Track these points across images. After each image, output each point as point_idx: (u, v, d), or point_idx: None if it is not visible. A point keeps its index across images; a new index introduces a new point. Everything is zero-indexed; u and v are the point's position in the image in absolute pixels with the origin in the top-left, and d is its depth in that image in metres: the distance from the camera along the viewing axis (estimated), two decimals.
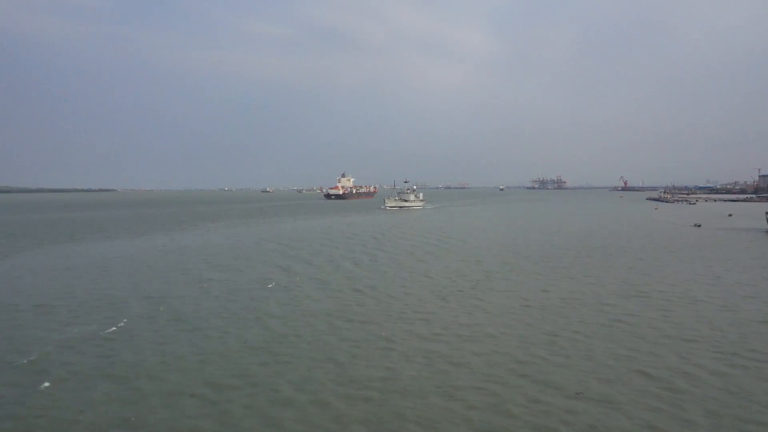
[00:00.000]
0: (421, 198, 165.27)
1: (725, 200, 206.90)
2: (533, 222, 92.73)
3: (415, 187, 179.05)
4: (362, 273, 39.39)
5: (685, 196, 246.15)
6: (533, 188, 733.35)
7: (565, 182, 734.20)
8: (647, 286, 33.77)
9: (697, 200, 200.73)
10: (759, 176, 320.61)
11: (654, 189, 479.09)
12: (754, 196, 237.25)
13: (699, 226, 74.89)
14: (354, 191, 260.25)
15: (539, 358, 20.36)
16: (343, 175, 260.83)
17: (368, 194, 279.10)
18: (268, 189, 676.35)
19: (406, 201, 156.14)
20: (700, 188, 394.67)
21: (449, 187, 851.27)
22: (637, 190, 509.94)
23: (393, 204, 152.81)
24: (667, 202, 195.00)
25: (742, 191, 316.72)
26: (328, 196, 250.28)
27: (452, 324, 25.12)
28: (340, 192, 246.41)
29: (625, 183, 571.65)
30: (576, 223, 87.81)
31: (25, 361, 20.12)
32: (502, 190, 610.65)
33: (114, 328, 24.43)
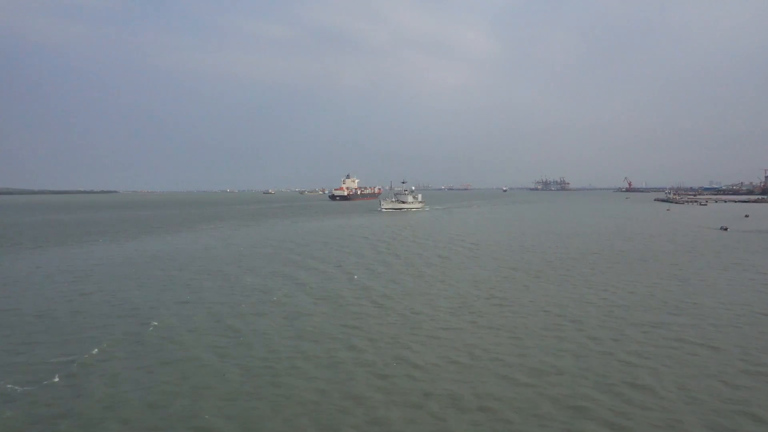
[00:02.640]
0: (420, 199, 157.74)
1: (735, 201, 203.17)
2: (545, 224, 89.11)
3: (413, 188, 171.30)
4: (377, 282, 35.81)
5: (692, 197, 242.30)
6: (536, 189, 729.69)
7: (568, 183, 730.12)
8: (698, 297, 30.10)
9: (707, 201, 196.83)
10: (765, 177, 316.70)
11: (658, 190, 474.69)
12: (765, 196, 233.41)
13: (726, 229, 71.05)
14: (358, 192, 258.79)
15: (605, 394, 16.83)
16: (348, 176, 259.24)
17: (372, 195, 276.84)
18: (270, 190, 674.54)
19: (403, 203, 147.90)
20: (706, 189, 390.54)
21: (452, 189, 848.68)
22: (642, 191, 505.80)
23: (390, 206, 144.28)
24: (676, 203, 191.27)
25: (750, 192, 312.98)
26: (332, 197, 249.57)
27: (488, 345, 21.54)
28: (345, 193, 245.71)
29: (630, 184, 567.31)
30: (591, 225, 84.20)
31: None
32: (505, 191, 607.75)
33: (86, 355, 20.54)
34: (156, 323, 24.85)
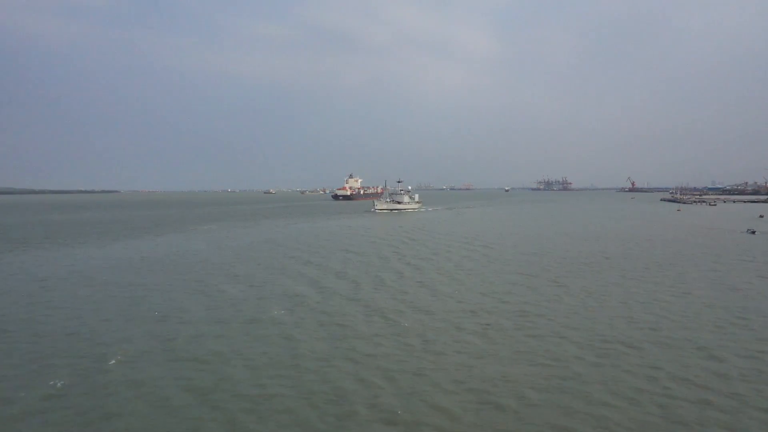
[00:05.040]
0: (417, 200, 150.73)
1: (745, 201, 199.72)
2: (556, 225, 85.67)
3: (410, 187, 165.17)
4: (384, 295, 32.61)
5: (699, 196, 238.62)
6: (538, 189, 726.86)
7: (570, 183, 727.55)
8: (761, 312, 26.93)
9: (716, 201, 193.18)
10: None
11: (662, 190, 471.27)
12: None
13: (754, 232, 67.41)
14: (361, 192, 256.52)
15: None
16: (351, 176, 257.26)
17: (375, 195, 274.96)
18: (270, 190, 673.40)
19: (399, 203, 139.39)
20: (711, 189, 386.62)
21: (453, 189, 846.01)
22: (645, 191, 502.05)
23: (384, 207, 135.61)
24: (684, 203, 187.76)
25: (756, 192, 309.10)
26: (335, 196, 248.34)
27: (530, 382, 18.36)
28: (348, 193, 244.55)
29: (633, 184, 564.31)
30: (604, 227, 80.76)
31: None
32: (507, 191, 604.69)
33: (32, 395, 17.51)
34: (122, 354, 20.87)
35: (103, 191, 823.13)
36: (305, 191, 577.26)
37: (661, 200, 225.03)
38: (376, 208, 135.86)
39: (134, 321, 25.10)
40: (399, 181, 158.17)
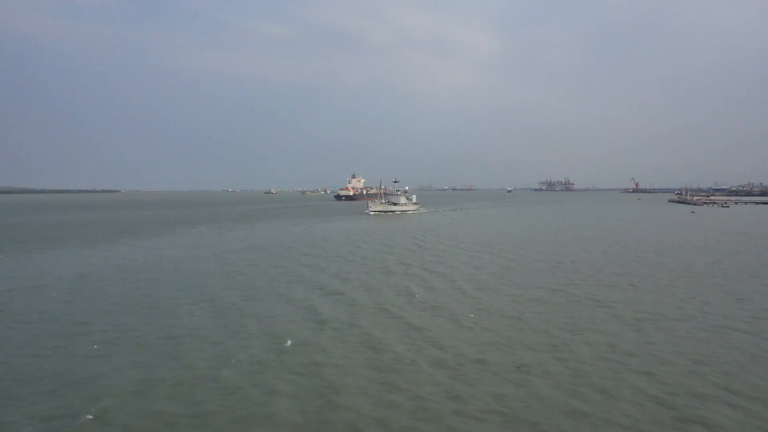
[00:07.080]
0: (414, 201, 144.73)
1: (756, 203, 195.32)
2: (570, 230, 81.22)
3: (407, 188, 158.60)
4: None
5: (706, 197, 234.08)
6: (541, 190, 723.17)
7: (572, 184, 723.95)
8: None
9: (727, 203, 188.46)
10: None
11: (665, 191, 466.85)
12: None
13: None
14: (364, 192, 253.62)
15: None
16: (354, 176, 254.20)
17: (378, 196, 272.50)
18: (271, 190, 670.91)
19: (395, 204, 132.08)
20: (716, 190, 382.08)
21: (456, 189, 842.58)
22: (649, 192, 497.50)
23: (379, 208, 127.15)
24: (694, 204, 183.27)
25: (764, 193, 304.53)
26: (338, 197, 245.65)
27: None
28: (351, 193, 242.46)
29: (636, 185, 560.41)
30: (622, 231, 76.17)
31: None
32: (510, 191, 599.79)
33: None
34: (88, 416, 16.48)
35: (103, 191, 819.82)
36: (306, 191, 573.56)
37: (668, 201, 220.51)
38: (370, 210, 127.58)
39: (106, 354, 20.88)
40: (395, 181, 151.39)
